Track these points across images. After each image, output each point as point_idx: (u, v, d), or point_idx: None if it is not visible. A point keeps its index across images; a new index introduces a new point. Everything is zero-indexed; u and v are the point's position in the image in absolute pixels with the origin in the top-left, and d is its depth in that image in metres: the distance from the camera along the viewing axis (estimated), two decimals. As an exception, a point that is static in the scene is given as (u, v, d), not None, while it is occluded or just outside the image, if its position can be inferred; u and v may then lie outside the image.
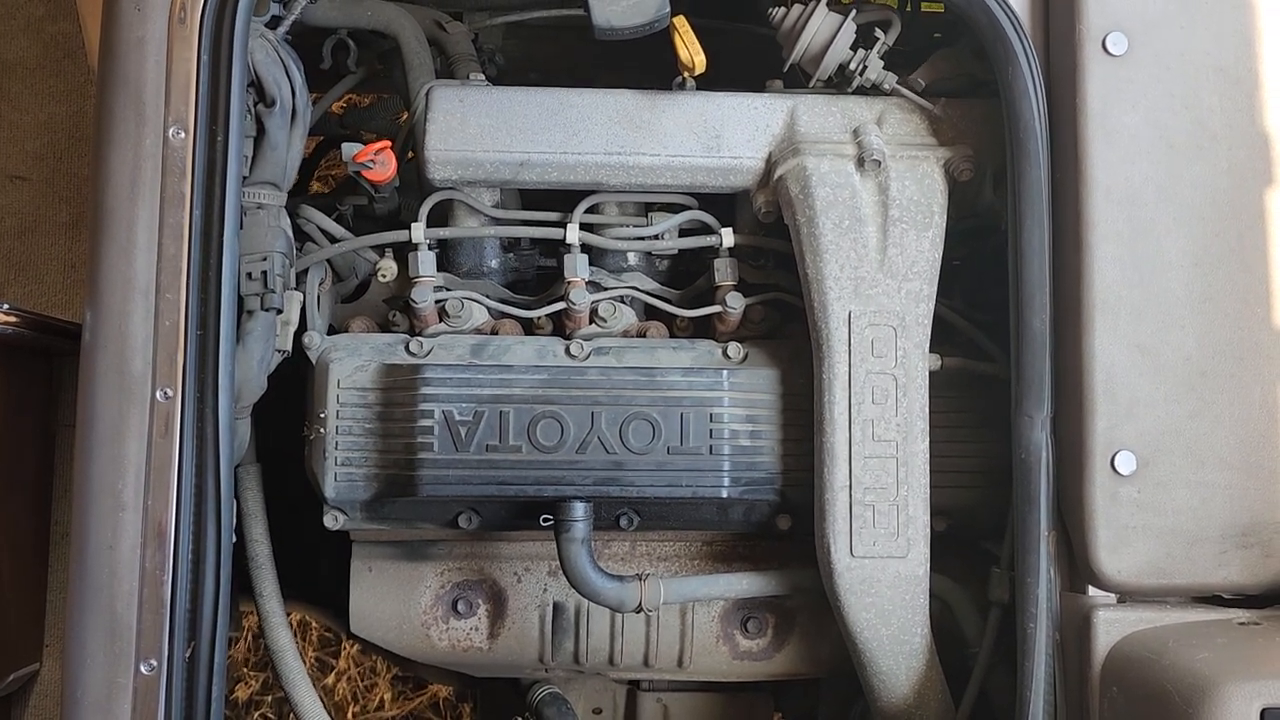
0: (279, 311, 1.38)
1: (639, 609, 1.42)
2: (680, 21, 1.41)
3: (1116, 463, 1.29)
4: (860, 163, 1.41)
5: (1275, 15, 1.34)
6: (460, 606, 1.55)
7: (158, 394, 1.24)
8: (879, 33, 1.46)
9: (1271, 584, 1.32)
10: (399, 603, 1.55)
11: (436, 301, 1.48)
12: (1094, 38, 1.32)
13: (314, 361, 1.46)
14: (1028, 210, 1.34)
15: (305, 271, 1.48)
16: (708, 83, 1.48)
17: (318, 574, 1.69)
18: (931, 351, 1.43)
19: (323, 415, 1.43)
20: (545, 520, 1.42)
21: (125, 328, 1.25)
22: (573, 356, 1.47)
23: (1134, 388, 1.30)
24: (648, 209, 1.55)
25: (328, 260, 1.52)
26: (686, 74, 1.44)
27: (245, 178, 1.35)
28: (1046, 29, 1.37)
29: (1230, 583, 1.32)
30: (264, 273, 1.34)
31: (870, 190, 1.42)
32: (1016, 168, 1.35)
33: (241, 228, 1.33)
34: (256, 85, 1.37)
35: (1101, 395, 1.29)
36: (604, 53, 1.61)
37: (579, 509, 1.39)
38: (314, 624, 2.63)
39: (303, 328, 1.46)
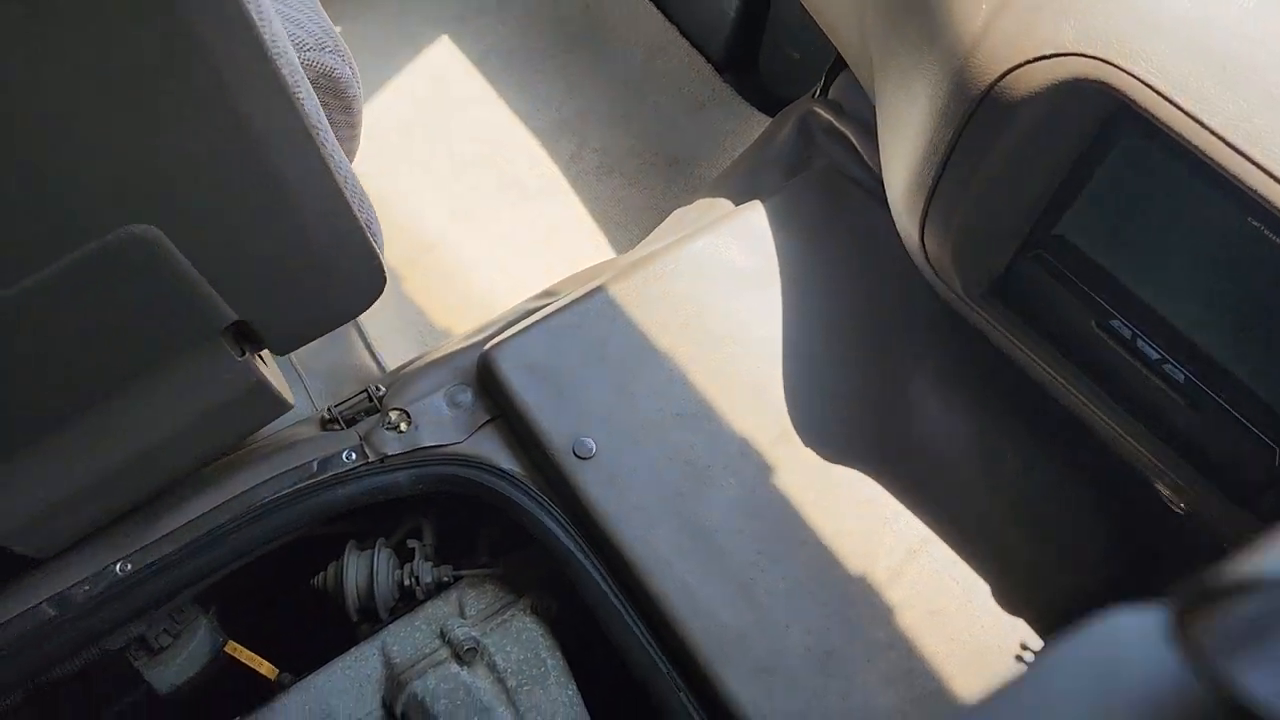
0: None
1: None
2: (233, 646, 1.44)
3: (816, 777, 1.31)
4: (459, 658, 1.46)
5: (713, 360, 1.56)
6: None
7: None
8: (413, 542, 1.56)
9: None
10: None
11: None
12: (566, 451, 1.47)
13: None
14: (607, 620, 1.42)
15: None
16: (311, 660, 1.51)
17: None
18: (624, 774, 1.44)
19: None
20: None
21: None
22: None
23: (786, 706, 1.35)
24: (315, 811, 1.50)
25: None
26: (272, 677, 1.46)
27: None
28: (533, 463, 1.51)
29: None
30: None
31: (482, 675, 1.45)
32: (581, 590, 1.44)
33: None
34: None
35: (765, 731, 1.33)
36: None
37: None
38: None
39: None
